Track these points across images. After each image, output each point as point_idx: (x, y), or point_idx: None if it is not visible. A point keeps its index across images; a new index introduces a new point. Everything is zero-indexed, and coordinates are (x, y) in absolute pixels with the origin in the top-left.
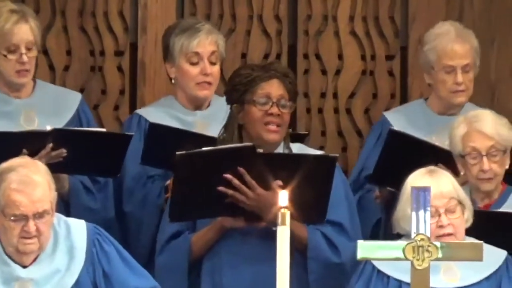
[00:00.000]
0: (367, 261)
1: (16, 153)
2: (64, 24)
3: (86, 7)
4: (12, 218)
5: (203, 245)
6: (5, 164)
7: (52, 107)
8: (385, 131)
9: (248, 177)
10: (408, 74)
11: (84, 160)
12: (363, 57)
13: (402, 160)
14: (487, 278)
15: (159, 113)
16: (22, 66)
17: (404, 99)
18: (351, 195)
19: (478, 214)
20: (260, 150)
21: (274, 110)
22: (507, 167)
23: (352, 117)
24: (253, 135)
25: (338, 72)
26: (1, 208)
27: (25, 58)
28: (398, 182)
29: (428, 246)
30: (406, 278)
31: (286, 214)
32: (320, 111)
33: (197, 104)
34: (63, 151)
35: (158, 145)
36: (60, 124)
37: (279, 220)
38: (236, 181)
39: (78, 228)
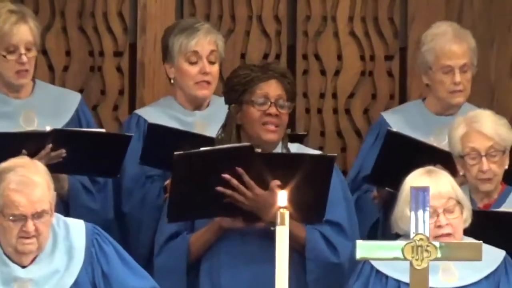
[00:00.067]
0: (365, 261)
1: (16, 154)
2: (63, 24)
3: (85, 8)
4: (11, 218)
5: (201, 246)
6: (4, 164)
7: (52, 108)
8: (383, 132)
9: (246, 177)
10: (407, 74)
11: (84, 160)
12: (362, 58)
13: (400, 161)
14: (486, 278)
15: (158, 114)
16: (22, 67)
17: (403, 100)
18: (349, 195)
19: (477, 214)
20: (259, 150)
21: (272, 110)
22: (506, 167)
23: (351, 118)
24: (251, 135)
25: (337, 72)
26: (0, 208)
27: (24, 58)
28: (396, 182)
29: (427, 246)
30: (405, 278)
31: (285, 214)
32: (319, 111)
33: (196, 104)
34: (63, 152)
35: (157, 145)
36: (59, 125)
37: (278, 220)
38: (234, 181)
39: (77, 228)
